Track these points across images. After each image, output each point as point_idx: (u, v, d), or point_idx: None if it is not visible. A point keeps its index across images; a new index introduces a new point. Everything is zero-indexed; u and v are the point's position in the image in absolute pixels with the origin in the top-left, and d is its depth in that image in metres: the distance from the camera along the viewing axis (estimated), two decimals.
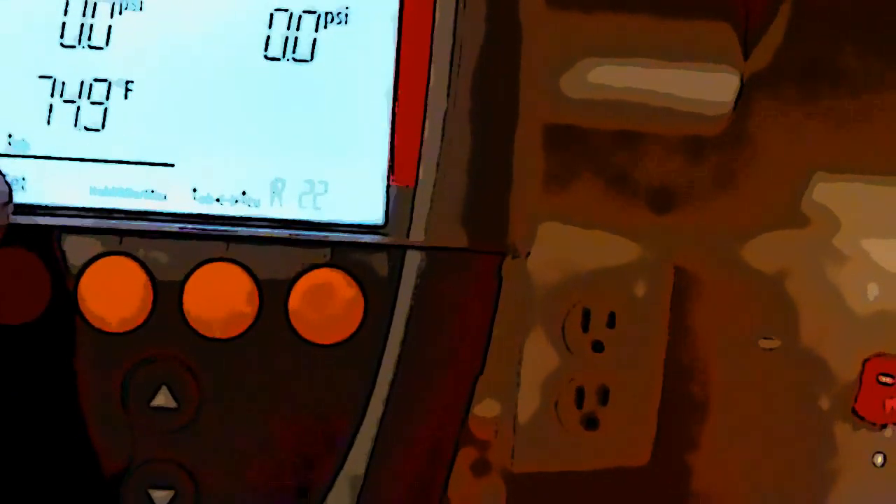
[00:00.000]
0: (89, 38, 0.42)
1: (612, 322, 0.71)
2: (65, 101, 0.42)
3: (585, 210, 0.68)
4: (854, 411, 0.70)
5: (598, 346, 0.71)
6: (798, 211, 0.69)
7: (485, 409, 0.68)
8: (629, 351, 0.71)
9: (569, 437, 0.72)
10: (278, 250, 0.42)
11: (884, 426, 0.70)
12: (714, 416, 0.72)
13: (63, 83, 0.42)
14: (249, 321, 0.42)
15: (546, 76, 0.42)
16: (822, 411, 0.70)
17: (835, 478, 0.71)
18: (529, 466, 0.71)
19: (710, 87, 0.60)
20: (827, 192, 0.68)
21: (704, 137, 0.63)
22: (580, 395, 0.71)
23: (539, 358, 0.71)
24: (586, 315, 0.71)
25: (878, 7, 0.66)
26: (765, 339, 0.70)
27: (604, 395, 0.72)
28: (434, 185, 0.41)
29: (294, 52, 0.41)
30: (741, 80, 0.60)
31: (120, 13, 0.42)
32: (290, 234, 0.41)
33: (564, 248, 0.69)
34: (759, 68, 0.61)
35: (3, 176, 0.41)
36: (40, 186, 0.42)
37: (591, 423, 0.72)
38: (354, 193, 0.41)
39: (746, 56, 0.60)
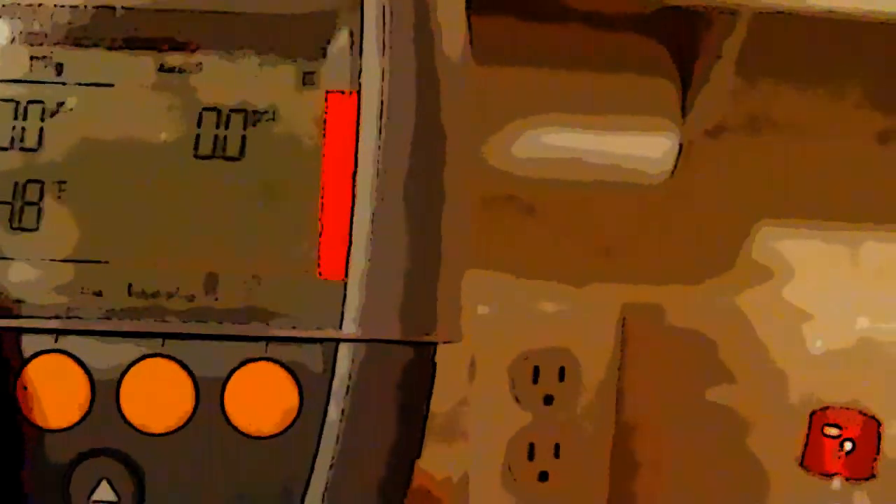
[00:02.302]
0: (21, 141, 0.42)
1: (562, 375, 0.72)
2: None
3: (530, 264, 0.69)
4: (802, 464, 0.71)
5: (548, 400, 0.72)
6: (742, 260, 0.70)
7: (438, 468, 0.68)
8: (580, 403, 0.72)
9: (522, 490, 0.73)
10: (214, 345, 0.42)
11: (831, 476, 0.71)
12: (664, 470, 0.73)
13: None
14: (187, 416, 0.42)
15: (471, 164, 0.43)
16: (772, 465, 0.71)
17: None
18: None
19: (650, 148, 0.60)
20: (769, 241, 0.69)
21: (647, 191, 0.63)
22: (532, 448, 0.72)
23: (489, 412, 0.71)
24: (536, 369, 0.71)
25: (814, 61, 0.67)
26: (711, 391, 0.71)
27: (556, 449, 0.72)
28: (365, 278, 0.42)
29: (224, 150, 0.42)
30: (680, 142, 0.61)
31: (51, 116, 0.42)
32: (225, 329, 0.42)
33: (512, 301, 0.70)
34: (698, 125, 0.62)
35: None
36: None
37: (543, 476, 0.73)
38: (287, 287, 0.42)
39: (684, 116, 0.61)
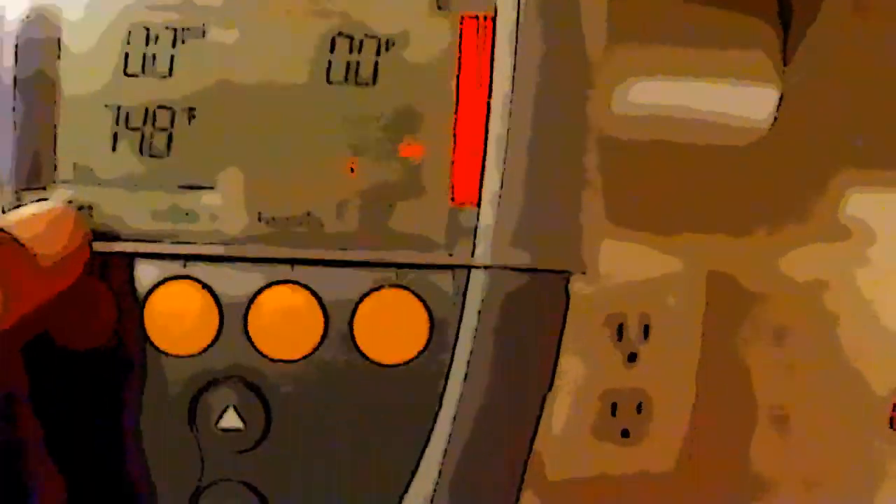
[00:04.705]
0: (153, 67, 0.42)
1: (646, 333, 0.71)
2: (129, 129, 0.42)
3: (621, 222, 0.69)
4: (892, 425, 0.70)
5: (632, 357, 0.72)
6: (836, 223, 0.69)
7: None
8: (664, 361, 0.72)
9: (603, 446, 0.72)
10: (343, 271, 0.42)
11: None
12: (750, 426, 0.72)
13: (127, 111, 0.42)
14: (315, 342, 0.42)
15: (601, 94, 0.42)
16: (860, 426, 0.70)
17: (873, 492, 0.71)
18: (563, 475, 0.72)
19: (750, 102, 0.60)
20: (863, 206, 0.68)
21: (742, 150, 0.63)
22: (614, 405, 0.72)
23: (573, 369, 0.71)
24: (620, 327, 0.71)
25: None
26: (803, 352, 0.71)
27: (638, 406, 0.72)
28: (498, 205, 0.41)
29: (356, 75, 0.42)
30: (780, 95, 0.60)
31: (182, 42, 0.42)
32: (355, 255, 0.41)
33: (598, 260, 0.69)
34: (795, 82, 0.61)
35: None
36: (105, 213, 0.42)
37: (625, 433, 0.73)
38: (418, 214, 0.42)
39: (783, 71, 0.60)
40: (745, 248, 0.69)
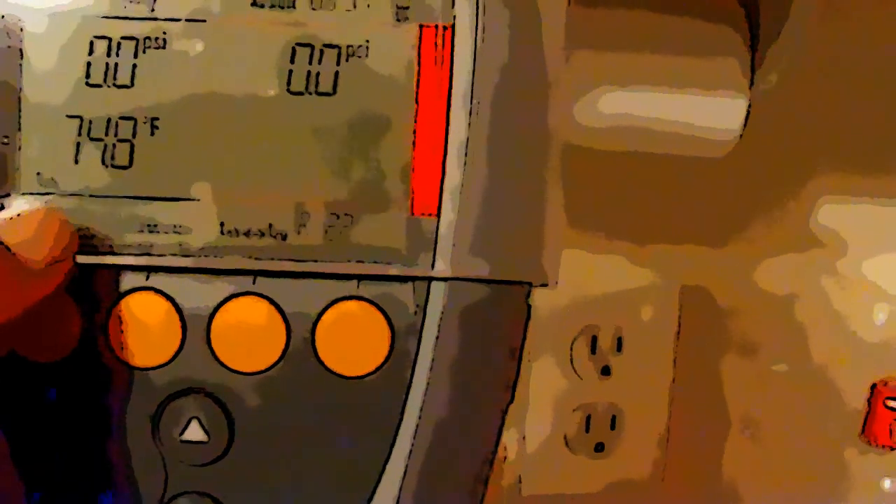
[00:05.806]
0: (115, 77, 0.42)
1: (619, 346, 0.71)
2: (92, 140, 0.42)
3: (593, 234, 0.69)
4: (863, 435, 0.70)
5: (605, 371, 0.72)
6: (806, 234, 0.69)
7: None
8: (637, 375, 0.72)
9: (577, 460, 0.72)
10: (305, 283, 0.42)
11: (892, 450, 0.70)
12: (723, 438, 0.72)
13: (90, 122, 0.42)
14: (278, 355, 0.42)
15: (564, 105, 0.42)
16: (831, 436, 0.71)
17: (845, 499, 0.71)
18: (537, 490, 0.72)
19: (719, 112, 0.60)
20: (834, 216, 0.68)
21: (713, 162, 0.63)
22: (588, 420, 0.72)
23: (547, 383, 0.71)
24: (594, 340, 0.71)
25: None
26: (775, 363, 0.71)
27: (612, 420, 0.72)
28: (457, 216, 0.41)
29: (317, 86, 0.42)
30: (748, 106, 0.60)
31: (143, 52, 0.42)
32: (317, 267, 0.41)
33: (571, 272, 0.69)
34: (765, 91, 0.61)
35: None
36: None
37: (599, 447, 0.72)
38: (379, 225, 0.42)
39: (752, 83, 0.60)
40: (717, 259, 0.69)
